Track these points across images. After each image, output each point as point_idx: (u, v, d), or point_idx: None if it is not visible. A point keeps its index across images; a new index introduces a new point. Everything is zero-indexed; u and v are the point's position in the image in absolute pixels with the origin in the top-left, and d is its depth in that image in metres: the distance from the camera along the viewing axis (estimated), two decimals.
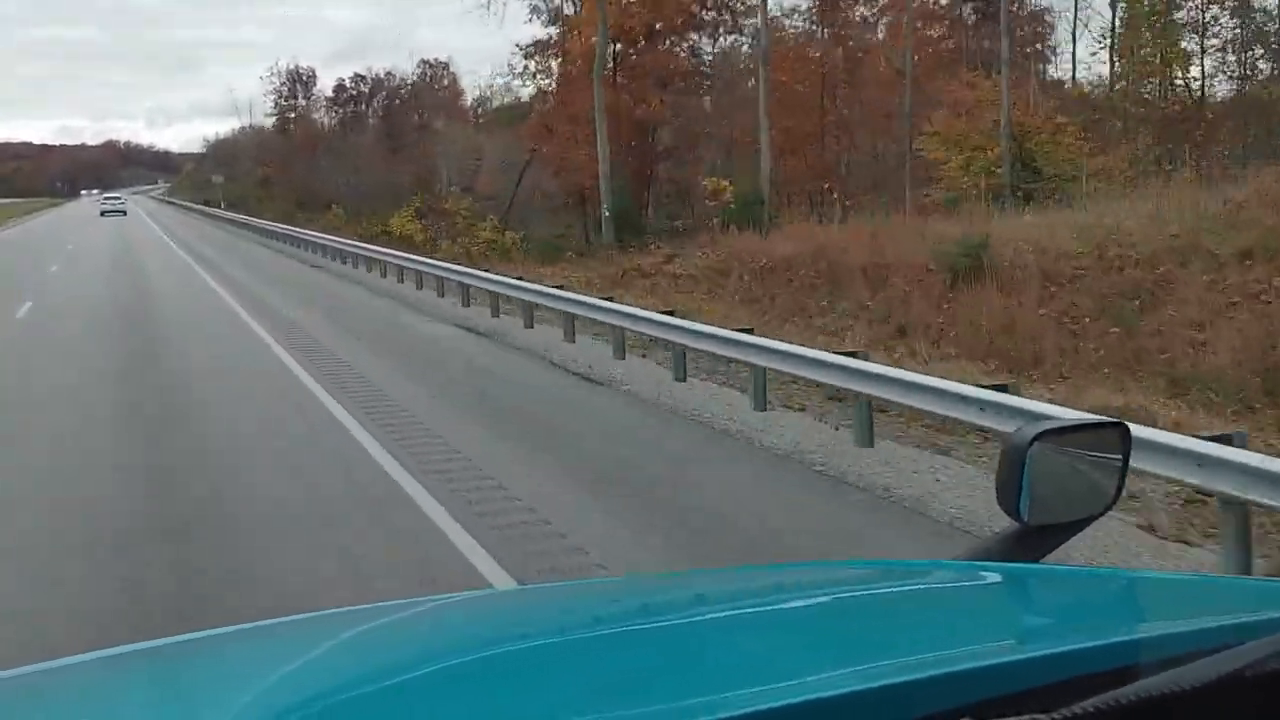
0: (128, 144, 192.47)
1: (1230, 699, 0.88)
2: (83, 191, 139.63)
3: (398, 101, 79.86)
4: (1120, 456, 1.57)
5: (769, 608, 1.45)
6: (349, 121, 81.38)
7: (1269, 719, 0.92)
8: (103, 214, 71.68)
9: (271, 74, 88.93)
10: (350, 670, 1.24)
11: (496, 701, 1.04)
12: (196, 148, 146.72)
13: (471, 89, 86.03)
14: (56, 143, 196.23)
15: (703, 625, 1.35)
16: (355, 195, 64.89)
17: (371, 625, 1.48)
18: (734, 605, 1.48)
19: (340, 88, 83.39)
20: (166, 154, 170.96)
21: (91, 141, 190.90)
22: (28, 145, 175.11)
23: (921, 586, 1.53)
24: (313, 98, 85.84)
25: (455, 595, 1.86)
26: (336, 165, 67.44)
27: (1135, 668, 0.95)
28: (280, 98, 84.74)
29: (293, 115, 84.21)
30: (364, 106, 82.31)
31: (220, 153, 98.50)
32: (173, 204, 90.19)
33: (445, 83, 78.27)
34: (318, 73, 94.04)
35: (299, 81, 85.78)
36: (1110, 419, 1.74)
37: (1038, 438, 1.48)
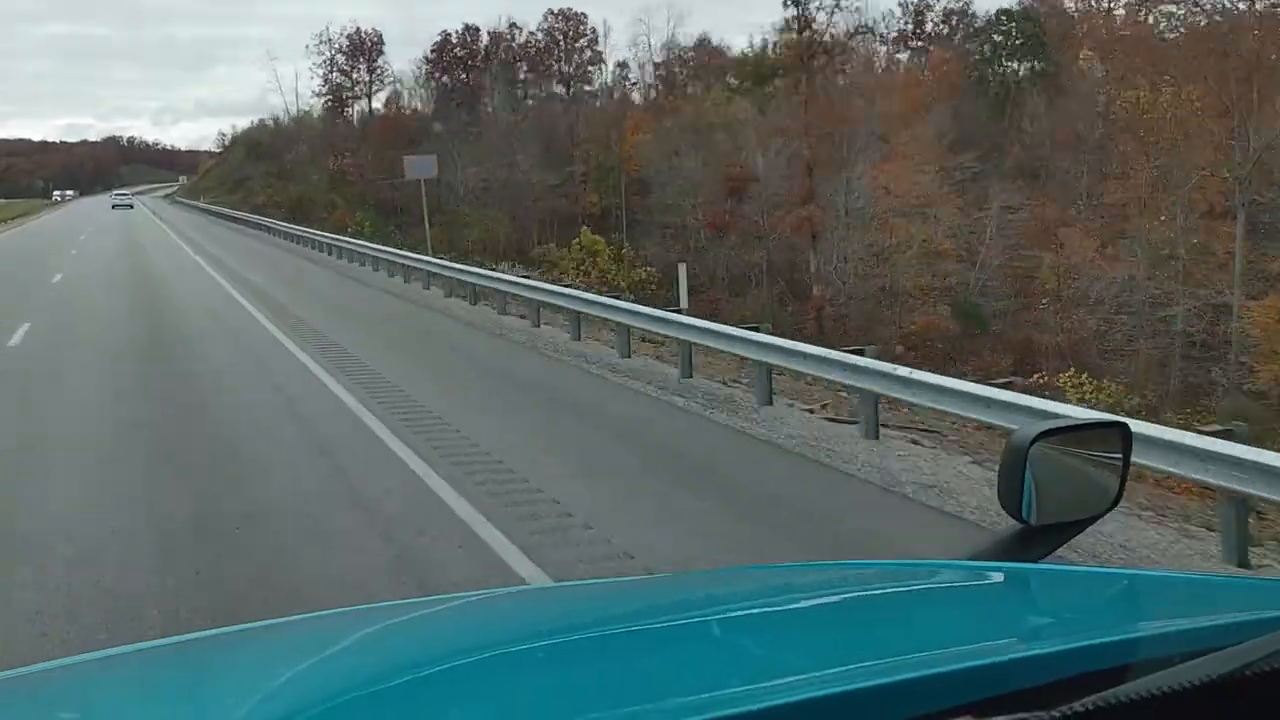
0: (131, 140, 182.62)
1: (1229, 698, 0.87)
2: (55, 193, 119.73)
3: (525, 66, 57.89)
4: (1121, 455, 1.56)
5: (771, 608, 1.45)
6: (461, 93, 59.26)
7: (1267, 718, 0.91)
8: (113, 207, 72.99)
9: (320, 42, 67.15)
10: (356, 670, 1.23)
11: (503, 701, 1.03)
12: (206, 145, 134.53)
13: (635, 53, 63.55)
14: (59, 140, 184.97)
15: (705, 625, 1.35)
16: (480, 200, 48.19)
17: (380, 626, 1.46)
18: (736, 605, 1.48)
19: (444, 45, 60.17)
20: (173, 151, 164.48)
21: (95, 139, 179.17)
22: (25, 142, 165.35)
23: (923, 586, 1.53)
24: (377, 69, 63.83)
25: (464, 595, 1.81)
26: (448, 156, 47.62)
27: (1134, 666, 0.95)
28: (332, 71, 63.46)
29: (349, 94, 62.84)
30: (473, 75, 59.43)
31: (255, 143, 73.37)
32: (226, 220, 53.09)
33: (582, 42, 59.03)
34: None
35: (361, 51, 63.59)
36: (1111, 419, 1.81)
37: (1038, 438, 1.47)
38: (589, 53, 60.89)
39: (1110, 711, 0.83)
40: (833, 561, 2.75)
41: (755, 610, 1.43)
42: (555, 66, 60.50)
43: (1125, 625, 1.21)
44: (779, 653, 1.16)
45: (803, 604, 1.47)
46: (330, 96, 65.22)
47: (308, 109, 68.86)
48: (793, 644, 1.21)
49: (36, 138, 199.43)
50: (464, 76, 61.48)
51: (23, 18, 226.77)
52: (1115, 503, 1.56)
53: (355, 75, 65.26)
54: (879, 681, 0.92)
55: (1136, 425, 6.01)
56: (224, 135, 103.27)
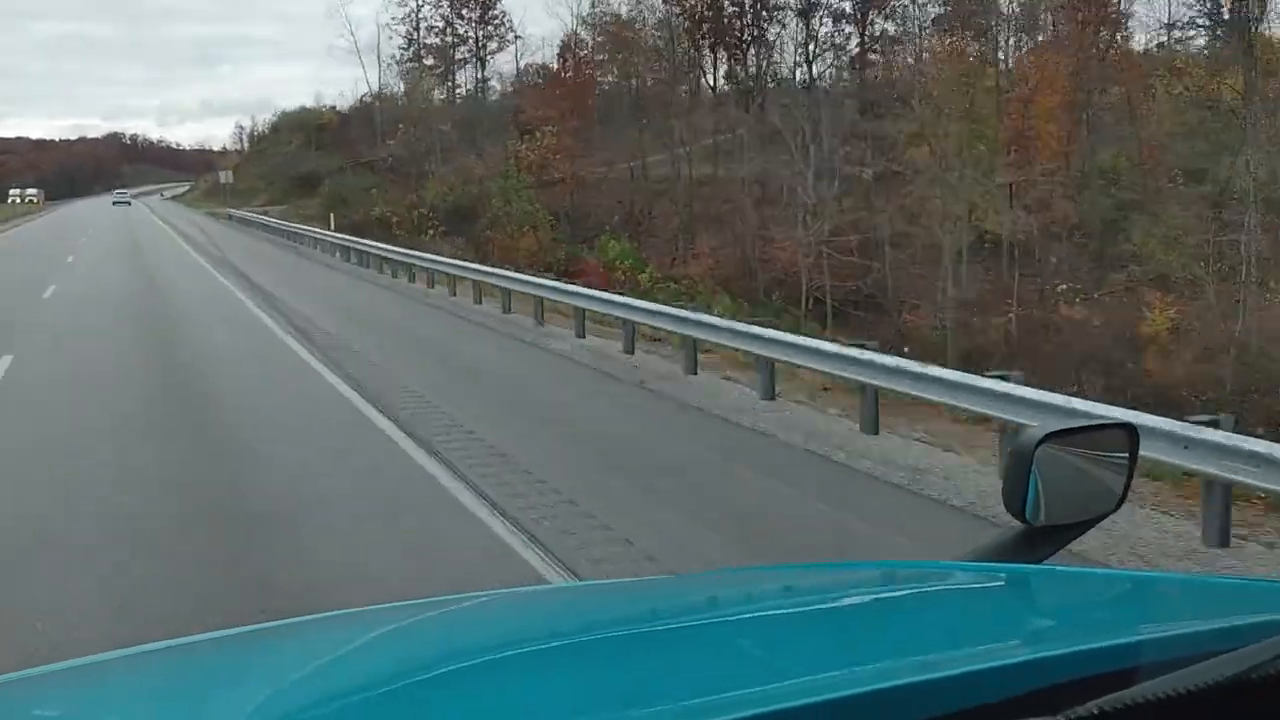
0: (134, 137, 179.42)
1: (1235, 701, 0.87)
2: (13, 192, 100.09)
3: None
4: (1127, 456, 1.56)
5: (776, 610, 1.45)
6: (718, 33, 36.41)
7: None
8: (114, 204, 75.96)
9: None
10: (365, 671, 1.23)
11: (514, 703, 1.03)
12: (214, 144, 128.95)
13: None
14: (59, 139, 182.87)
15: (710, 627, 1.35)
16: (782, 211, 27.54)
17: (389, 628, 1.46)
18: (741, 607, 1.49)
19: None
20: (179, 150, 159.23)
21: (97, 137, 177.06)
22: (23, 140, 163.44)
23: (928, 588, 1.53)
24: (494, 19, 45.74)
25: (471, 596, 1.79)
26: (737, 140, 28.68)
27: (1141, 669, 0.95)
28: (418, 29, 45.00)
29: (452, 58, 44.69)
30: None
31: (318, 129, 52.93)
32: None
33: None
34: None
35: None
36: (1117, 420, 1.73)
37: (1044, 439, 1.47)
38: None
39: (1117, 715, 0.82)
40: (836, 563, 2.71)
41: (760, 613, 1.44)
42: None
43: (1131, 628, 1.21)
44: (781, 655, 1.16)
45: (809, 606, 1.47)
46: (412, 60, 47.83)
47: (410, 76, 49.81)
48: (795, 646, 1.21)
49: (41, 136, 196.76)
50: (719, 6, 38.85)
51: (22, 15, 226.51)
52: (1120, 503, 1.56)
53: (463, 30, 47.46)
54: (884, 685, 0.92)
55: None
56: (242, 129, 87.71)
